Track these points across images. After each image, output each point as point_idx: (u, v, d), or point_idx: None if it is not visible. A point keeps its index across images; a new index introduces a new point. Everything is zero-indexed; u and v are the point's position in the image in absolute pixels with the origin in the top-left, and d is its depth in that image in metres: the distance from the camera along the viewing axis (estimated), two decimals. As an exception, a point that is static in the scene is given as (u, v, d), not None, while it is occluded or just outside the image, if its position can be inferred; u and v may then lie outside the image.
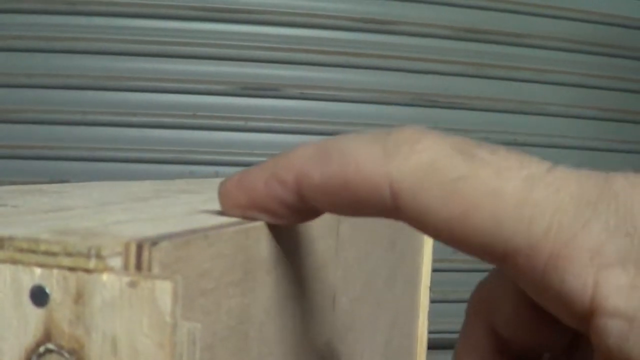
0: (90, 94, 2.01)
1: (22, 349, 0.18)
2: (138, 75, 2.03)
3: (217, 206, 0.27)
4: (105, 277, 0.17)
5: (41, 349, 0.18)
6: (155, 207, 0.29)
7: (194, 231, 0.20)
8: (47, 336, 0.17)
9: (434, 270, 2.31)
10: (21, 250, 0.17)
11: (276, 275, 0.26)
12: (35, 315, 0.17)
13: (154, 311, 0.16)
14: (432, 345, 2.49)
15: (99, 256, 0.17)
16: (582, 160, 2.35)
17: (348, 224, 0.36)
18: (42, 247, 0.17)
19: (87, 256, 0.17)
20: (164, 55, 2.08)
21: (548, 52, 2.29)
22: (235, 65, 2.13)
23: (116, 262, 0.17)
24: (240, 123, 2.11)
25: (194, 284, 0.19)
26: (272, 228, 0.25)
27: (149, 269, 0.17)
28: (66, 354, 0.17)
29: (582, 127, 2.30)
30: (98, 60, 2.04)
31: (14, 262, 0.17)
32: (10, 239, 0.17)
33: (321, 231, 0.31)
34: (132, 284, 0.17)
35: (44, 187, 0.39)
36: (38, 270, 0.17)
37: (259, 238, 0.24)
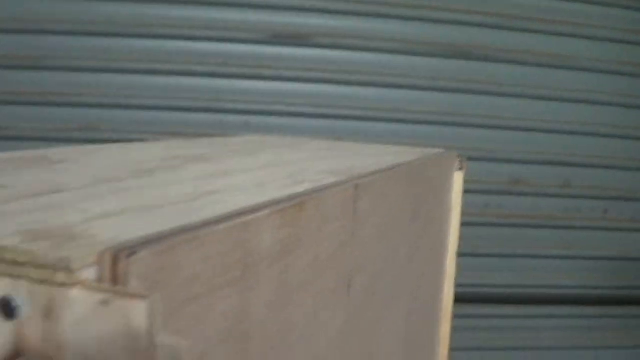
0: (120, 41, 1.98)
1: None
2: (168, 23, 2.00)
3: (222, 181, 0.25)
4: (75, 292, 0.15)
5: (15, 353, 0.16)
6: (156, 185, 0.27)
7: (183, 230, 0.18)
8: (17, 350, 0.16)
9: (464, 224, 2.28)
10: (-9, 257, 0.16)
11: (282, 265, 0.24)
12: (4, 329, 0.16)
13: (129, 332, 0.15)
14: (462, 299, 2.48)
15: (68, 269, 0.15)
16: (616, 117, 2.30)
17: (367, 198, 0.34)
18: (9, 257, 0.16)
19: (56, 269, 0.15)
20: (194, 3, 2.04)
21: (584, 5, 2.22)
22: (266, 14, 2.09)
23: (90, 273, 0.16)
24: (271, 72, 2.08)
25: (182, 291, 0.17)
26: (277, 215, 0.23)
27: (125, 282, 0.15)
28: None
29: (616, 82, 2.24)
30: (127, 6, 2.01)
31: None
32: (-24, 245, 0.16)
33: (335, 211, 0.30)
34: (105, 302, 0.15)
35: (50, 153, 0.38)
36: (6, 281, 0.16)
37: (260, 229, 0.22)
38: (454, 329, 2.37)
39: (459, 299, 2.41)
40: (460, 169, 0.62)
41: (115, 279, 0.15)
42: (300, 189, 0.28)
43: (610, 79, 2.26)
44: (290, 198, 0.26)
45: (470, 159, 2.22)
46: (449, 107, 2.18)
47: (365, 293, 0.35)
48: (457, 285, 2.27)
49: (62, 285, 0.15)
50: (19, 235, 0.16)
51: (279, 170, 0.34)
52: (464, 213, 2.24)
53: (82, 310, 0.15)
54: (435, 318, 0.64)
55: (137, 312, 0.15)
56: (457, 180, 0.62)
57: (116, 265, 0.15)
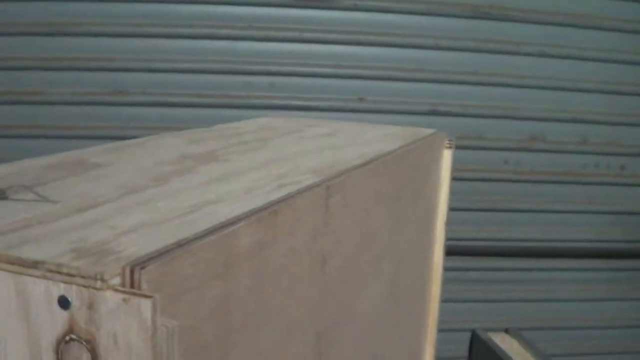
0: (146, 6, 2.06)
1: (54, 338, 0.25)
2: (194, -12, 2.07)
3: (221, 188, 0.33)
4: (107, 294, 0.24)
5: (67, 338, 0.25)
6: (169, 194, 0.35)
7: (180, 244, 0.27)
8: (70, 329, 0.25)
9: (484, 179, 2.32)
10: (50, 271, 0.24)
11: (259, 258, 0.32)
12: (62, 315, 0.25)
13: (140, 319, 0.23)
14: (483, 252, 2.55)
15: (103, 279, 0.24)
16: (632, 75, 2.32)
17: (340, 196, 0.42)
18: (64, 270, 0.24)
19: (95, 279, 0.24)
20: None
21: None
22: (289, -23, 2.14)
23: (116, 280, 0.24)
24: (295, 34, 2.14)
25: (179, 285, 0.26)
26: (255, 222, 0.32)
27: (139, 286, 0.24)
28: (83, 342, 0.25)
29: (633, 41, 2.26)
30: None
31: (46, 278, 0.24)
32: (42, 262, 0.24)
33: (308, 210, 0.38)
34: (125, 300, 0.23)
35: (85, 155, 0.46)
36: (62, 285, 0.24)
37: (240, 235, 0.31)
38: (477, 282, 2.45)
39: (480, 252, 2.48)
40: (449, 147, 0.70)
41: (132, 284, 0.23)
42: (281, 193, 0.36)
43: (627, 38, 2.28)
44: (269, 205, 0.34)
45: (488, 116, 2.27)
46: (468, 67, 2.23)
47: (340, 269, 0.43)
48: (477, 239, 2.34)
49: (99, 289, 0.23)
50: (70, 253, 0.25)
51: (271, 171, 0.42)
52: (484, 170, 2.29)
53: (111, 304, 0.23)
54: (425, 279, 0.73)
55: (146, 306, 0.23)
56: (446, 158, 0.69)
57: (133, 275, 0.23)
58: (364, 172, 0.46)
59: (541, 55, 2.24)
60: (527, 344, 1.34)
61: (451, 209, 2.34)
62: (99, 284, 0.23)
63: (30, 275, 0.24)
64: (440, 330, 2.27)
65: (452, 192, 2.28)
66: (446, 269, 2.39)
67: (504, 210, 2.45)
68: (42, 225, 0.28)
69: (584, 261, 2.53)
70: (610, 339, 2.61)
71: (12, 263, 0.24)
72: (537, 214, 2.48)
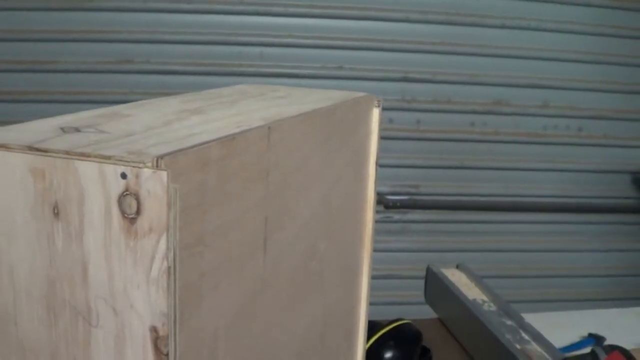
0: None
1: (117, 194, 0.51)
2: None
3: (205, 127, 0.59)
4: (145, 170, 0.50)
5: (124, 193, 0.51)
6: (173, 130, 0.61)
7: (179, 150, 0.52)
8: (126, 189, 0.51)
9: (454, 140, 2.54)
10: (119, 160, 0.50)
11: (224, 163, 0.58)
12: (122, 182, 0.51)
13: (161, 181, 0.49)
14: (453, 207, 2.76)
15: (144, 163, 0.50)
16: (588, 44, 2.57)
17: (277, 133, 0.68)
18: (124, 159, 0.50)
19: (140, 163, 0.50)
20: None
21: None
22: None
23: (149, 164, 0.50)
24: (281, 9, 2.39)
25: (179, 170, 0.52)
26: (219, 143, 0.57)
27: (160, 167, 0.50)
28: (132, 195, 0.50)
29: (588, 13, 2.51)
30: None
31: (115, 164, 0.50)
32: (113, 156, 0.50)
33: (255, 139, 0.63)
34: (154, 172, 0.49)
35: (119, 109, 0.72)
36: (123, 167, 0.50)
37: (211, 150, 0.56)
38: (448, 233, 2.72)
39: (450, 207, 2.75)
40: (377, 106, 0.96)
41: (157, 166, 0.49)
42: (237, 130, 0.62)
43: (582, 10, 2.50)
44: (230, 135, 0.60)
45: (456, 82, 2.52)
46: (436, 38, 2.47)
47: (280, 179, 0.69)
48: (446, 194, 2.61)
49: (141, 168, 0.49)
50: (125, 152, 0.51)
51: (235, 118, 0.68)
52: (453, 131, 2.55)
53: (147, 175, 0.49)
54: (358, 208, 0.99)
55: (164, 175, 0.49)
56: (375, 113, 0.95)
57: (157, 161, 0.49)
58: (297, 119, 0.72)
59: (504, 27, 2.48)
60: (473, 276, 1.61)
61: (424, 167, 2.59)
62: (141, 165, 0.49)
63: (106, 163, 0.50)
64: (413, 277, 2.53)
65: (425, 152, 2.53)
66: (419, 221, 2.65)
67: (472, 168, 2.71)
68: (106, 142, 0.54)
69: (544, 215, 2.78)
70: (568, 287, 2.88)
71: (97, 157, 0.50)
72: (502, 171, 2.73)
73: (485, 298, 1.55)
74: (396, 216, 2.68)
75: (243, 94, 0.90)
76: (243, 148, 0.62)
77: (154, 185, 0.49)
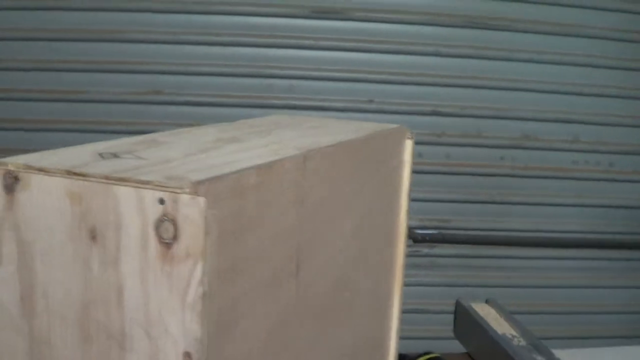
0: (180, 17, 2.34)
1: (155, 218, 0.51)
2: (222, 1, 2.34)
3: (242, 154, 0.59)
4: (183, 196, 0.50)
5: (162, 218, 0.51)
6: (210, 157, 0.62)
7: (217, 176, 0.53)
8: (164, 215, 0.51)
9: (483, 174, 2.53)
10: (157, 185, 0.51)
11: (260, 190, 0.58)
12: (160, 207, 0.51)
13: (199, 208, 0.50)
14: (481, 242, 2.73)
15: (182, 189, 0.50)
16: (618, 79, 2.55)
17: (312, 162, 0.68)
18: (162, 185, 0.50)
19: (178, 189, 0.50)
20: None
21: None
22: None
23: (187, 190, 0.50)
24: (311, 42, 2.41)
25: (217, 196, 0.52)
26: (256, 170, 0.58)
27: (197, 193, 0.50)
28: (170, 220, 0.51)
29: (618, 48, 2.50)
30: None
31: (153, 189, 0.51)
32: (152, 181, 0.51)
33: (291, 167, 0.64)
34: (192, 198, 0.50)
35: (156, 136, 0.72)
36: (160, 192, 0.51)
37: (248, 177, 0.56)
38: (477, 268, 2.70)
39: (478, 242, 2.73)
40: (410, 138, 0.96)
41: (195, 192, 0.50)
42: (275, 158, 0.62)
43: (610, 45, 2.50)
44: (267, 162, 0.60)
45: (485, 117, 2.51)
46: (465, 71, 2.47)
47: (314, 206, 0.69)
48: (476, 229, 2.59)
49: (179, 193, 0.50)
50: (164, 178, 0.51)
51: (270, 147, 0.68)
52: (482, 165, 2.53)
53: (184, 200, 0.50)
54: (390, 241, 0.99)
55: (201, 201, 0.50)
56: (408, 145, 0.95)
57: (196, 188, 0.50)
58: (331, 148, 0.72)
59: (533, 61, 2.48)
60: (502, 311, 1.59)
61: (453, 201, 2.58)
62: (179, 190, 0.49)
63: (144, 188, 0.50)
64: (442, 312, 2.52)
65: (455, 186, 2.53)
66: (448, 256, 2.64)
67: (501, 203, 2.68)
68: (144, 168, 0.55)
69: (573, 251, 2.75)
70: (596, 324, 2.83)
71: (136, 182, 0.50)
72: (532, 206, 2.71)
73: (515, 333, 1.53)
74: (425, 250, 2.67)
75: (277, 124, 0.90)
76: (279, 175, 0.62)
77: (191, 211, 0.50)
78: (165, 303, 0.52)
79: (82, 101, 2.33)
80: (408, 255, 2.67)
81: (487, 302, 1.72)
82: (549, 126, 2.58)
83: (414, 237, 2.66)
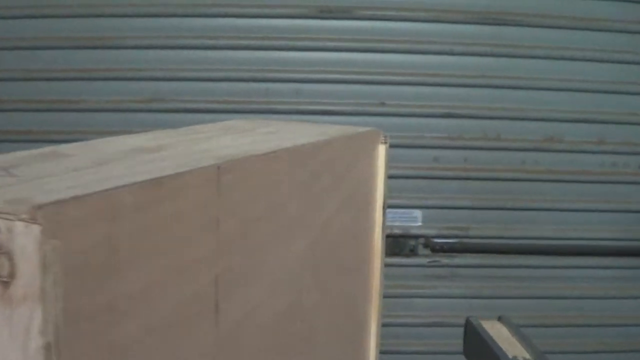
0: (175, 21, 2.25)
1: None
2: (220, 3, 2.25)
3: (157, 163, 0.48)
4: (18, 223, 0.39)
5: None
6: (94, 172, 0.51)
7: (71, 197, 0.42)
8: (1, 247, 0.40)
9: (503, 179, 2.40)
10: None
11: (145, 212, 0.47)
12: (-6, 238, 0.40)
13: (34, 237, 0.39)
14: (504, 250, 2.59)
15: (16, 215, 0.39)
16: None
17: (231, 175, 0.57)
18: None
19: (11, 215, 0.39)
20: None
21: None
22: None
23: (24, 216, 0.39)
24: (317, 43, 2.30)
25: (67, 222, 0.41)
26: (137, 189, 0.47)
27: (36, 220, 0.39)
28: (6, 255, 0.40)
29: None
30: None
31: (-16, 215, 0.40)
32: (-18, 205, 0.40)
33: (197, 182, 0.53)
34: (26, 226, 0.39)
35: (61, 149, 0.62)
36: (-7, 219, 0.40)
37: (121, 197, 0.46)
38: (500, 279, 2.56)
39: (500, 250, 2.59)
40: (384, 143, 0.84)
41: (34, 219, 0.39)
42: (171, 172, 0.51)
43: (636, 39, 2.35)
44: (154, 178, 0.49)
45: (504, 118, 2.38)
46: (481, 71, 2.34)
47: (238, 229, 0.58)
48: (497, 237, 2.45)
49: (13, 220, 0.39)
50: (2, 202, 0.40)
51: (184, 160, 0.57)
52: (502, 169, 2.40)
53: (20, 229, 0.39)
54: (362, 258, 0.87)
55: (37, 229, 0.39)
56: (381, 151, 0.84)
57: (34, 213, 0.39)
58: (266, 157, 0.61)
59: (554, 57, 2.34)
60: (515, 330, 1.46)
61: (472, 208, 2.45)
62: (12, 218, 0.39)
63: (-24, 213, 0.39)
64: (463, 325, 2.38)
65: (473, 192, 2.40)
66: (469, 266, 2.50)
67: (524, 209, 2.54)
68: (2, 188, 0.44)
69: (601, 259, 2.60)
70: (626, 337, 2.67)
71: (-33, 206, 0.40)
72: (556, 212, 2.56)
73: (526, 355, 1.40)
74: (444, 260, 2.54)
75: (226, 130, 0.80)
76: (175, 194, 0.51)
77: (27, 242, 0.39)
78: (7, 353, 0.42)
79: (76, 110, 2.25)
80: (426, 266, 2.55)
81: (499, 319, 1.59)
82: (573, 127, 2.44)
83: (432, 247, 2.53)
